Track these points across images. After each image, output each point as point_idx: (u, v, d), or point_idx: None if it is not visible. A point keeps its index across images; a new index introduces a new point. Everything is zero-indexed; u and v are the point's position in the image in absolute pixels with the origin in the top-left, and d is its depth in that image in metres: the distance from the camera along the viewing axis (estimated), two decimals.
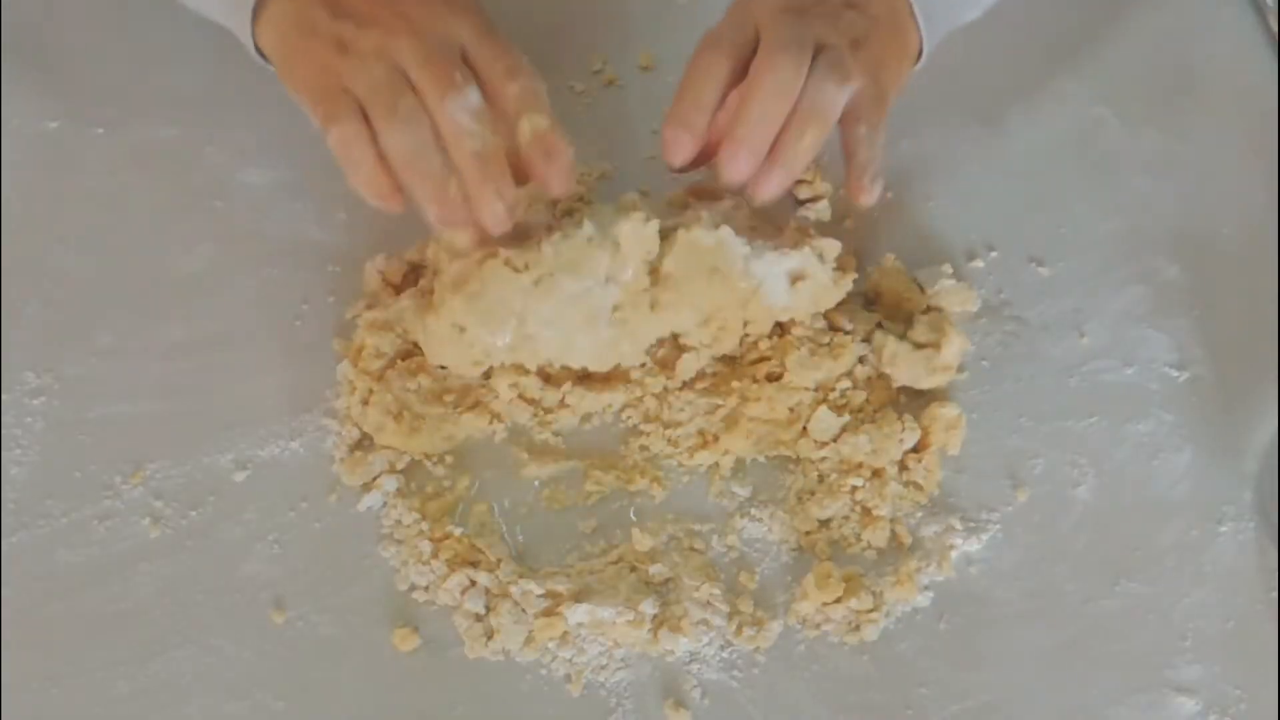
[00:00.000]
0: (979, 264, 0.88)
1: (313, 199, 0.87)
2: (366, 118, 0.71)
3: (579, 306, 0.74)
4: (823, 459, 0.79)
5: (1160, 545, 0.79)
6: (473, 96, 0.72)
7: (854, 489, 0.78)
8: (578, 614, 0.74)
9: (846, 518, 0.78)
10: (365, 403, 0.79)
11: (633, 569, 0.76)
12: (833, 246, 0.79)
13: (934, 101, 0.92)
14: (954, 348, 0.80)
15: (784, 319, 0.80)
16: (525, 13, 0.96)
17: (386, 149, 0.71)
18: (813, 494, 0.78)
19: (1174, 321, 0.86)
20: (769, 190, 0.76)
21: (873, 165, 0.79)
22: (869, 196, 0.79)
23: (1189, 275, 0.88)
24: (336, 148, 0.72)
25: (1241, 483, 0.81)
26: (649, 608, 0.74)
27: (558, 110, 0.90)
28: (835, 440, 0.79)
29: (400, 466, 0.79)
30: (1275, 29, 0.98)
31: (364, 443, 0.79)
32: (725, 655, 0.74)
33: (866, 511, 0.78)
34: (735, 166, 0.75)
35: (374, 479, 0.78)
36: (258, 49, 0.78)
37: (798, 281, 0.78)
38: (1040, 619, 0.76)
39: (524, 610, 0.74)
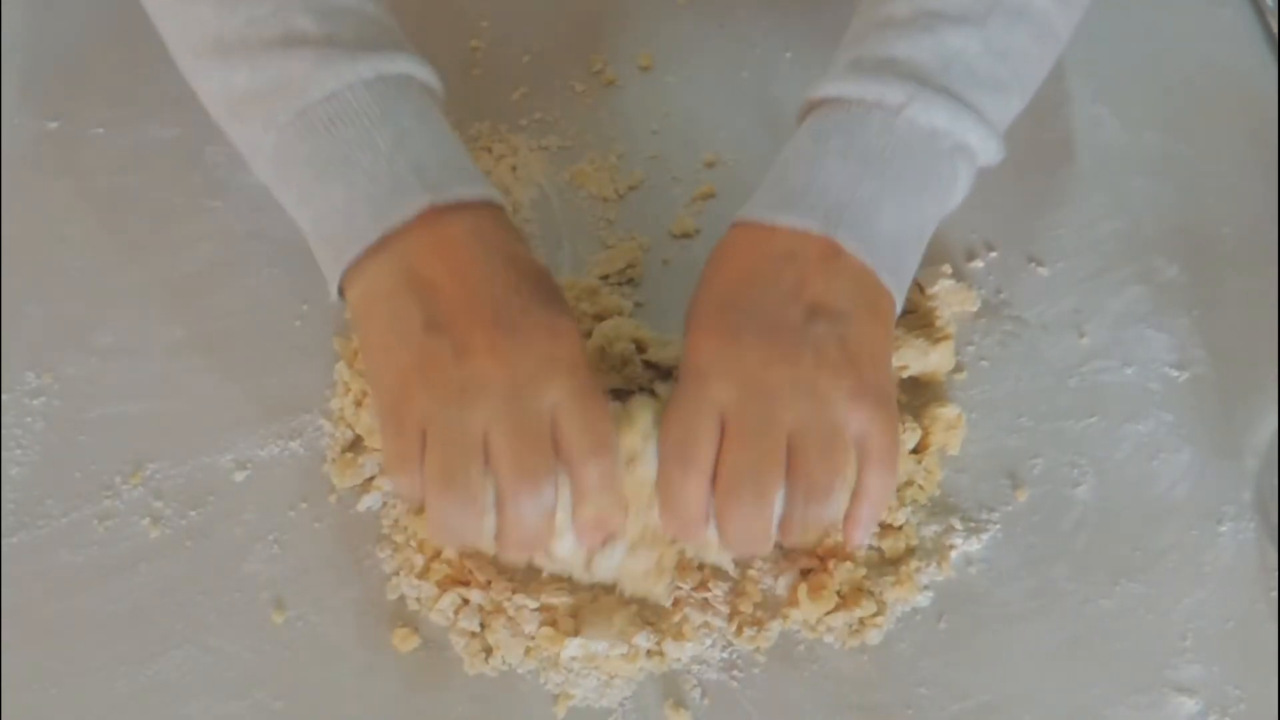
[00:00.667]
0: (978, 264, 0.87)
1: None
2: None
3: None
4: None
5: (1160, 545, 0.78)
6: (547, 498, 0.67)
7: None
8: (571, 649, 0.72)
9: None
10: (359, 404, 0.79)
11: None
12: None
13: None
14: (949, 313, 0.81)
15: None
16: (527, 13, 0.97)
17: (429, 514, 0.68)
18: None
19: (1174, 321, 0.86)
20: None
21: (872, 520, 0.72)
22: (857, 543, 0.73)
23: (1188, 275, 0.88)
24: (398, 490, 0.73)
25: (1241, 482, 0.80)
26: (643, 641, 0.73)
27: (559, 111, 0.92)
28: None
29: (380, 485, 0.78)
30: (1275, 29, 0.98)
31: (357, 444, 0.79)
32: (725, 655, 0.74)
33: (896, 537, 0.77)
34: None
35: (367, 480, 0.78)
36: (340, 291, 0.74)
37: None
38: (1040, 619, 0.76)
39: (521, 627, 0.73)
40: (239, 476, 0.78)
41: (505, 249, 0.71)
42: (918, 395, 0.82)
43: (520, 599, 0.74)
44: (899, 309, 0.73)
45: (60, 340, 0.82)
